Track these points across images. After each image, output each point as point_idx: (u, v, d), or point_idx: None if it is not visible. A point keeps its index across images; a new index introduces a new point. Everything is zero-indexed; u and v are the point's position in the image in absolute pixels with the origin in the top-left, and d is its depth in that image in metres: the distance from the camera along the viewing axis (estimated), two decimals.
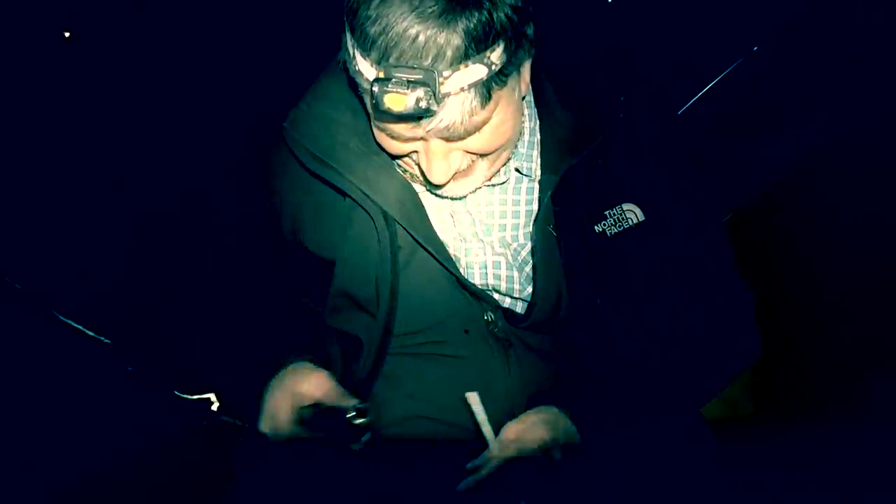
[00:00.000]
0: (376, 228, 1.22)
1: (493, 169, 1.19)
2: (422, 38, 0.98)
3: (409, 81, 0.98)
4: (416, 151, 1.14)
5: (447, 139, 1.08)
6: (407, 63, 0.99)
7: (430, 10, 0.98)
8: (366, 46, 1.01)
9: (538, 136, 1.25)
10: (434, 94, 0.99)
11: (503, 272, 1.25)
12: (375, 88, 0.99)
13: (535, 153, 1.25)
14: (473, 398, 1.15)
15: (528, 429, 1.14)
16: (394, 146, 1.13)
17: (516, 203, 1.25)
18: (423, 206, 1.24)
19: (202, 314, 1.38)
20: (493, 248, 1.25)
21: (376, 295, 1.24)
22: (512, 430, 1.14)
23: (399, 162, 1.21)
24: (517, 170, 1.25)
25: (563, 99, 1.23)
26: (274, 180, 1.30)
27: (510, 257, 1.25)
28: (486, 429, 1.14)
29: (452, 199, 1.22)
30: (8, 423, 1.69)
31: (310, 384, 1.20)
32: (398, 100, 0.99)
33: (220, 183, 1.43)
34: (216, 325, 1.36)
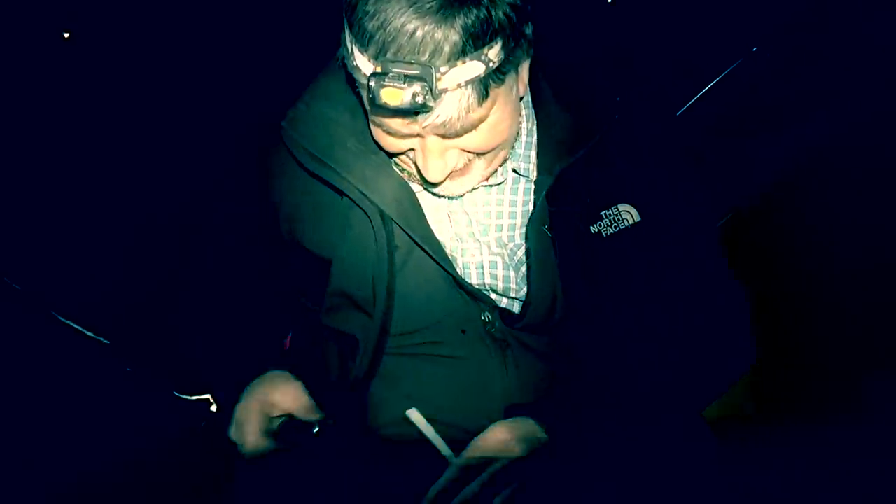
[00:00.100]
0: (373, 228, 1.22)
1: (491, 169, 1.19)
2: (419, 33, 0.98)
3: (405, 76, 0.98)
4: (412, 149, 1.14)
5: (443, 136, 1.08)
6: (404, 58, 0.99)
7: (428, 6, 0.98)
8: (363, 42, 1.01)
9: (535, 136, 1.25)
10: (431, 90, 0.99)
11: (500, 272, 1.25)
12: (372, 83, 0.99)
13: (533, 154, 1.25)
14: (414, 415, 1.16)
15: (490, 435, 1.14)
16: (390, 143, 1.13)
17: (513, 203, 1.25)
18: (420, 206, 1.24)
19: (201, 315, 1.38)
20: (489, 248, 1.25)
21: (373, 294, 1.24)
22: (478, 439, 1.14)
23: (396, 160, 1.21)
24: (514, 170, 1.25)
25: (560, 99, 1.23)
26: (273, 180, 1.30)
27: (507, 257, 1.25)
28: (437, 441, 1.15)
29: (449, 198, 1.22)
30: (8, 423, 1.69)
31: (282, 395, 1.21)
32: (395, 94, 0.99)
33: (219, 183, 1.43)
34: (215, 326, 1.36)
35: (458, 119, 1.04)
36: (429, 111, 1.02)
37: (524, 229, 1.24)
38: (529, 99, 1.26)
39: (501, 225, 1.25)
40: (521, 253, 1.25)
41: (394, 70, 0.99)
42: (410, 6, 0.98)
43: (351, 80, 1.13)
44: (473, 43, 1.00)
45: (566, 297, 1.23)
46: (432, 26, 0.98)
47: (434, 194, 1.22)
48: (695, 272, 1.25)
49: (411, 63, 0.99)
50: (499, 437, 1.13)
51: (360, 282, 1.25)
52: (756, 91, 2.12)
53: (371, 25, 1.00)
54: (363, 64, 1.03)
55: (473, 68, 1.01)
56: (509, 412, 1.18)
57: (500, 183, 1.24)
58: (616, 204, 1.23)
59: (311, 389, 1.26)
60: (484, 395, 1.25)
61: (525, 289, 1.24)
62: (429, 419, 1.23)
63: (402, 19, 0.98)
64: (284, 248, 1.32)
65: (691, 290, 1.25)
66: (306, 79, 1.27)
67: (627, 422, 1.19)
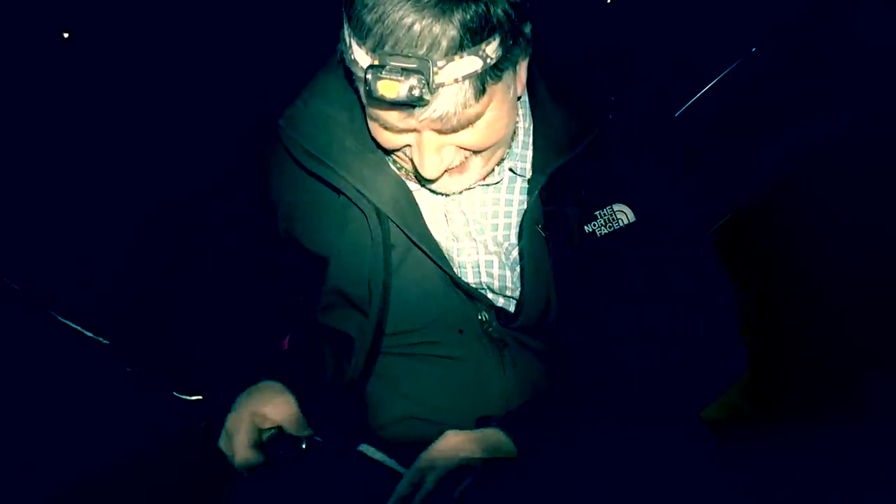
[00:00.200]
0: (369, 226, 1.22)
1: (488, 167, 1.19)
2: (417, 27, 0.99)
3: (402, 69, 0.99)
4: (409, 145, 1.14)
5: (440, 132, 1.08)
6: (402, 52, 0.99)
7: (426, 0, 0.98)
8: (361, 35, 1.02)
9: (532, 135, 1.25)
10: (427, 84, 0.99)
11: (496, 271, 1.25)
12: (369, 75, 1.00)
13: (529, 153, 1.25)
14: (368, 449, 1.17)
15: (439, 443, 1.12)
16: (387, 138, 1.13)
17: (509, 203, 1.25)
18: (417, 205, 1.24)
19: (201, 315, 1.38)
20: (486, 247, 1.25)
21: (369, 293, 1.24)
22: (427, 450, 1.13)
23: (394, 157, 1.21)
24: (511, 169, 1.25)
25: (556, 99, 1.23)
26: (271, 178, 1.31)
27: (503, 257, 1.25)
28: (391, 463, 1.16)
29: (447, 195, 1.22)
30: (8, 423, 1.69)
31: (273, 408, 1.22)
32: (391, 86, 0.99)
33: (218, 183, 1.43)
34: (215, 326, 1.36)
35: (455, 114, 1.04)
36: (425, 105, 1.03)
37: (519, 228, 1.24)
38: (527, 98, 1.26)
39: (497, 224, 1.25)
40: (515, 252, 1.25)
41: (391, 63, 0.99)
42: (409, 0, 0.98)
43: (349, 76, 1.13)
44: (471, 38, 1.00)
45: (560, 297, 1.22)
46: (430, 20, 0.98)
47: (431, 192, 1.22)
48: (687, 274, 1.24)
49: (408, 56, 0.99)
50: (449, 443, 1.11)
51: (356, 280, 1.25)
52: (756, 91, 2.12)
53: (369, 18, 1.00)
54: (361, 57, 1.03)
55: (471, 63, 1.01)
56: (481, 423, 1.18)
57: (497, 182, 1.24)
58: (611, 204, 1.23)
59: (309, 392, 1.26)
60: (481, 395, 1.25)
61: (521, 288, 1.24)
62: (426, 420, 1.23)
63: (401, 13, 0.98)
64: (283, 247, 1.32)
65: (683, 291, 1.24)
66: (305, 78, 1.27)
67: (622, 421, 1.18)
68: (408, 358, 1.27)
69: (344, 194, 1.22)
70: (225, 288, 1.38)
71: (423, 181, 1.18)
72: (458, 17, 0.99)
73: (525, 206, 1.23)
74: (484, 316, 1.25)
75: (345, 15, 1.05)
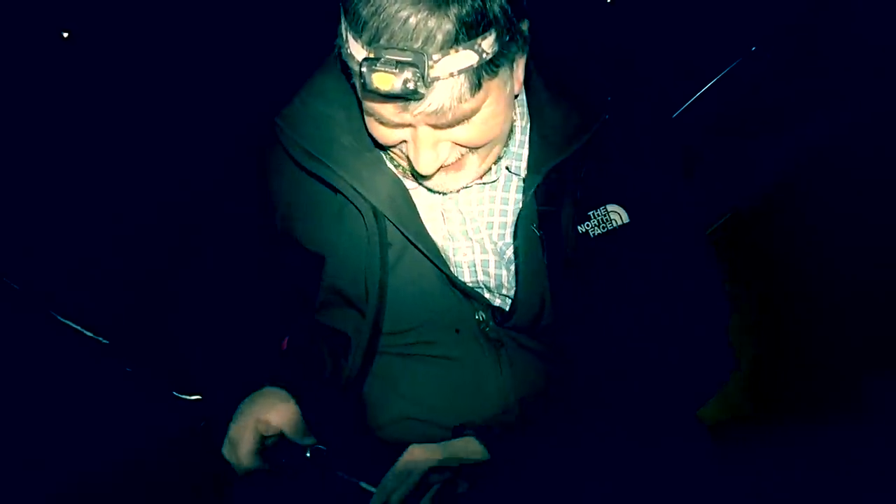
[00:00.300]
0: (365, 224, 1.22)
1: (485, 165, 1.19)
2: (412, 20, 0.99)
3: (397, 62, 0.99)
4: (405, 141, 1.14)
5: (435, 126, 1.09)
6: (397, 45, 1.00)
7: None
8: (357, 28, 1.02)
9: (529, 134, 1.25)
10: (422, 77, 0.99)
11: (492, 270, 1.25)
12: (364, 68, 1.00)
13: (525, 152, 1.25)
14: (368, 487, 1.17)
15: (405, 456, 1.12)
16: (383, 133, 1.13)
17: (505, 201, 1.25)
18: (413, 203, 1.24)
19: (201, 315, 1.38)
20: (482, 246, 1.25)
21: (365, 291, 1.24)
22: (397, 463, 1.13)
23: (391, 154, 1.21)
24: (507, 168, 1.25)
25: (553, 98, 1.23)
26: (270, 178, 1.31)
27: (498, 255, 1.25)
28: (364, 484, 1.16)
29: (444, 194, 1.22)
30: (8, 423, 1.69)
31: (277, 415, 1.22)
32: (386, 79, 0.99)
33: (218, 183, 1.43)
34: (214, 326, 1.36)
35: (450, 108, 1.04)
36: (420, 99, 1.03)
37: (514, 227, 1.24)
38: (525, 97, 1.26)
39: (493, 223, 1.25)
40: (510, 251, 1.25)
41: (386, 56, 0.99)
42: None
43: (346, 72, 1.13)
44: (467, 32, 1.00)
45: (554, 297, 1.22)
46: (426, 14, 0.99)
47: (428, 190, 1.22)
48: (680, 276, 1.24)
49: (404, 50, 0.99)
50: (413, 455, 1.12)
51: (353, 278, 1.25)
52: (757, 91, 2.12)
53: (366, 12, 1.00)
54: (357, 50, 1.04)
55: (466, 58, 1.02)
56: (456, 433, 1.18)
57: (494, 181, 1.24)
58: (605, 204, 1.22)
59: (308, 393, 1.26)
60: (478, 396, 1.25)
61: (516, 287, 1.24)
62: (423, 420, 1.23)
63: (397, 6, 0.99)
64: (283, 246, 1.32)
65: (675, 293, 1.24)
66: (304, 78, 1.28)
67: (614, 422, 1.18)
68: (405, 358, 1.27)
69: (341, 192, 1.22)
70: (225, 288, 1.38)
71: (419, 178, 1.18)
72: (453, 11, 0.99)
73: (521, 205, 1.23)
74: (480, 315, 1.25)
75: (342, 9, 1.05)
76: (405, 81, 0.99)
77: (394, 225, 1.22)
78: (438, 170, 1.14)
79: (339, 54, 1.10)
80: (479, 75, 1.04)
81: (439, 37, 0.99)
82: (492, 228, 1.25)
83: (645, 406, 1.20)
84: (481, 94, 1.06)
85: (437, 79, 1.01)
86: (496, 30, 1.03)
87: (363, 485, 1.16)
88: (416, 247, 1.22)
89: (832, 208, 1.94)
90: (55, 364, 1.72)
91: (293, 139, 1.22)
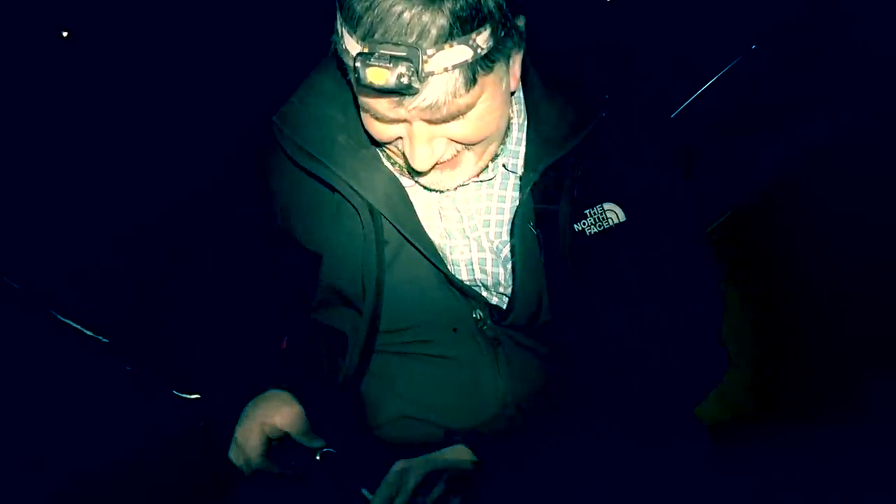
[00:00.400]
0: (362, 222, 1.22)
1: (481, 163, 1.19)
2: (407, 15, 0.99)
3: (392, 57, 0.99)
4: (400, 138, 1.14)
5: (430, 122, 1.09)
6: (391, 39, 1.00)
7: None
8: (352, 23, 1.02)
9: (525, 132, 1.25)
10: (416, 72, 1.00)
11: (489, 268, 1.25)
12: (358, 63, 1.00)
13: (522, 150, 1.25)
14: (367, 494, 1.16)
15: (392, 473, 1.11)
16: (378, 129, 1.13)
17: (501, 199, 1.25)
18: (410, 202, 1.24)
19: (201, 314, 1.38)
20: (479, 244, 1.25)
21: (362, 290, 1.24)
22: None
23: (387, 151, 1.21)
24: (504, 166, 1.25)
25: (550, 95, 1.23)
26: (269, 177, 1.31)
27: (495, 254, 1.25)
28: (366, 491, 1.15)
29: (440, 192, 1.22)
30: (8, 423, 1.69)
31: (282, 418, 1.22)
32: (380, 74, 0.99)
33: (217, 182, 1.43)
34: (214, 326, 1.37)
35: (445, 103, 1.05)
36: (415, 94, 1.03)
37: (511, 226, 1.24)
38: (522, 95, 1.26)
39: (489, 221, 1.25)
40: (507, 249, 1.25)
41: (380, 50, 0.99)
42: None
43: (342, 69, 1.13)
44: (461, 27, 1.00)
45: (551, 295, 1.22)
46: (420, 9, 0.99)
47: (425, 188, 1.22)
48: (676, 275, 1.24)
49: (398, 44, 1.00)
50: (400, 473, 1.10)
51: (350, 276, 1.25)
52: (756, 90, 2.12)
53: (360, 7, 1.01)
54: (351, 45, 1.04)
55: (461, 53, 1.02)
56: (446, 440, 1.17)
57: (491, 179, 1.24)
58: (601, 202, 1.22)
59: (307, 392, 1.26)
60: (476, 395, 1.25)
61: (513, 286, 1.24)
62: (420, 420, 1.23)
63: (391, 1, 0.99)
64: (282, 245, 1.32)
65: (670, 292, 1.24)
66: (302, 78, 1.28)
67: (615, 419, 1.18)
68: (402, 357, 1.27)
69: (338, 191, 1.22)
70: (224, 287, 1.39)
71: (415, 175, 1.18)
72: (448, 6, 0.99)
73: (517, 203, 1.23)
74: (478, 314, 1.25)
75: (337, 4, 1.06)
76: (399, 76, 0.99)
77: (390, 223, 1.22)
78: (434, 167, 1.14)
79: (336, 51, 1.10)
80: (473, 70, 1.04)
81: (433, 31, 1.00)
82: (489, 226, 1.25)
83: (642, 405, 1.20)
84: (476, 89, 1.06)
85: (432, 73, 1.01)
86: (491, 25, 1.03)
87: (364, 492, 1.16)
88: (412, 245, 1.22)
89: (832, 206, 1.93)
90: (55, 363, 1.72)
91: (290, 137, 1.23)
